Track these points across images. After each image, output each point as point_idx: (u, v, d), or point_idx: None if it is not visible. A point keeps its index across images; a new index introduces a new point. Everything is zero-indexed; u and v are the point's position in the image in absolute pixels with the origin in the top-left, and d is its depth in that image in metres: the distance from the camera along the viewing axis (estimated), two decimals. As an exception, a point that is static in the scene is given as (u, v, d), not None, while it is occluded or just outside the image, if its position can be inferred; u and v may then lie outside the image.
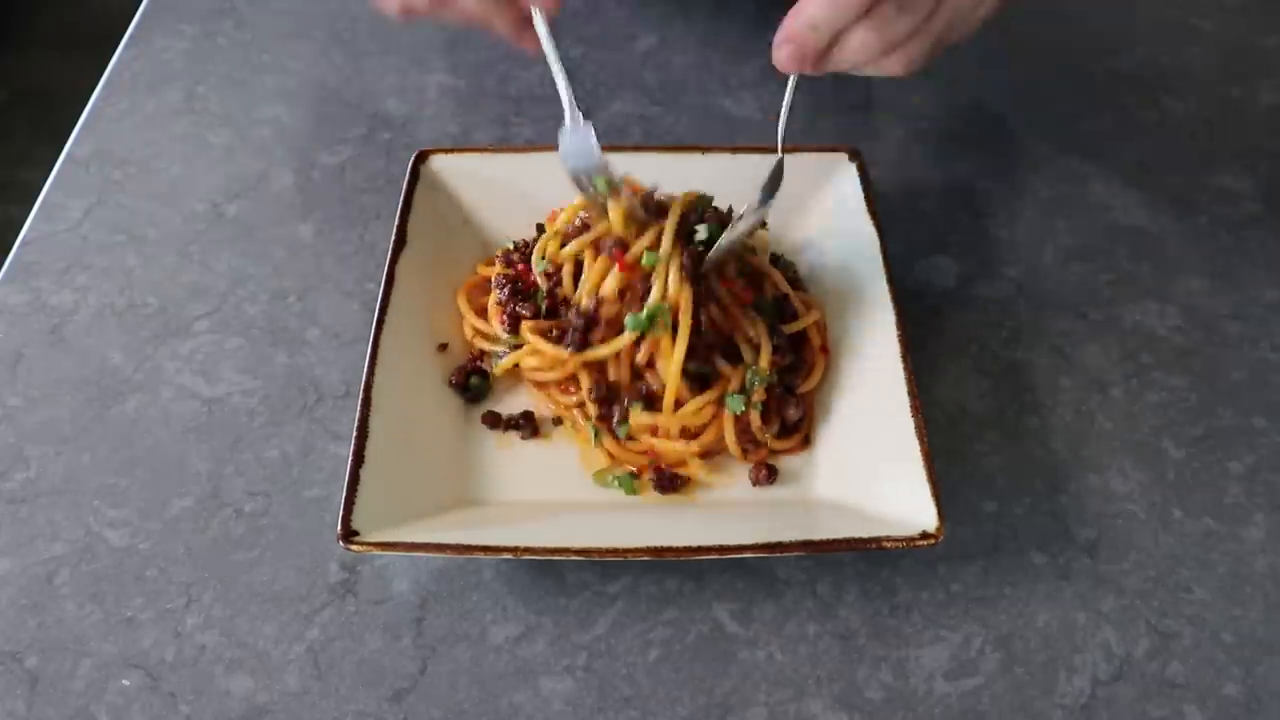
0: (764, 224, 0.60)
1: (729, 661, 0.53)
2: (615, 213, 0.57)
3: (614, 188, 0.57)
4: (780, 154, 0.57)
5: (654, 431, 0.58)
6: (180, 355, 0.64)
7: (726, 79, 0.81)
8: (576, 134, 0.57)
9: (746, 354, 0.59)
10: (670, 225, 0.56)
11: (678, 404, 0.57)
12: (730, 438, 0.57)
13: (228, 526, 0.57)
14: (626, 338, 0.56)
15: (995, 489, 0.59)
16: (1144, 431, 0.61)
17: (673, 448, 0.57)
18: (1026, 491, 0.59)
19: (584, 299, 0.57)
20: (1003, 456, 0.60)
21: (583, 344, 0.57)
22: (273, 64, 0.82)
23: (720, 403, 0.58)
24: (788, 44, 0.48)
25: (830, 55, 0.49)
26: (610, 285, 0.57)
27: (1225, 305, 0.67)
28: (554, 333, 0.59)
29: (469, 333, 0.63)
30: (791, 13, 0.48)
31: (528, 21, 0.55)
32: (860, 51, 0.48)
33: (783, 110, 0.55)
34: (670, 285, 0.56)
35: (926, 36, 0.49)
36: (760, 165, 0.65)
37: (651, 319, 0.55)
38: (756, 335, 0.58)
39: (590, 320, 0.57)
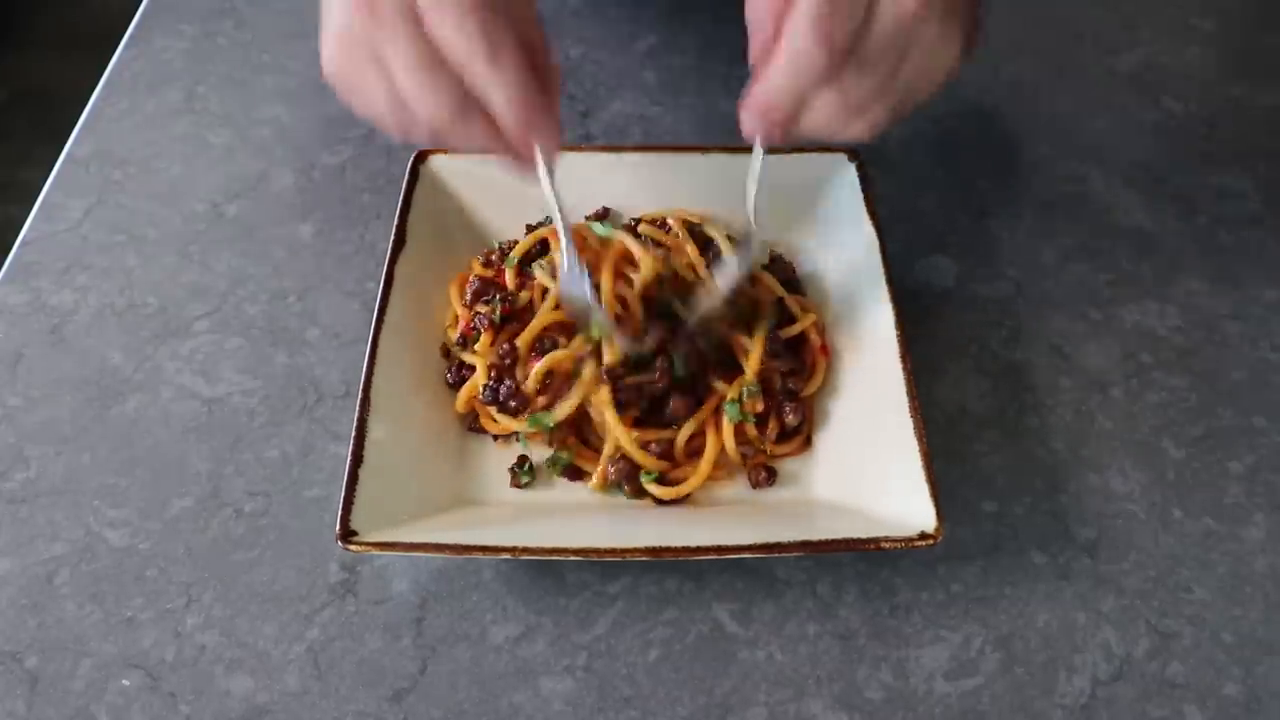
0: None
1: (729, 661, 0.53)
2: (610, 355, 0.57)
3: (607, 333, 0.57)
4: (753, 226, 0.56)
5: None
6: (180, 355, 0.64)
7: (726, 79, 0.81)
8: (573, 279, 0.57)
9: (742, 364, 0.59)
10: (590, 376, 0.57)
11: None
12: (730, 445, 0.57)
13: (228, 526, 0.57)
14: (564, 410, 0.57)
15: (995, 489, 0.59)
16: (1144, 431, 0.61)
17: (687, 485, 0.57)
18: (1026, 491, 0.59)
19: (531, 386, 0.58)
20: (1003, 456, 0.60)
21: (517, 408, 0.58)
22: (273, 64, 0.82)
23: (714, 414, 0.58)
24: (753, 111, 0.48)
25: (795, 122, 0.49)
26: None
27: (1225, 305, 0.67)
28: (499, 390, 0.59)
29: (448, 319, 0.63)
30: (753, 84, 0.48)
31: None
32: (826, 117, 0.48)
33: (750, 182, 0.54)
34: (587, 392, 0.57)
35: (889, 98, 0.49)
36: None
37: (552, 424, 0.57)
38: (749, 345, 0.59)
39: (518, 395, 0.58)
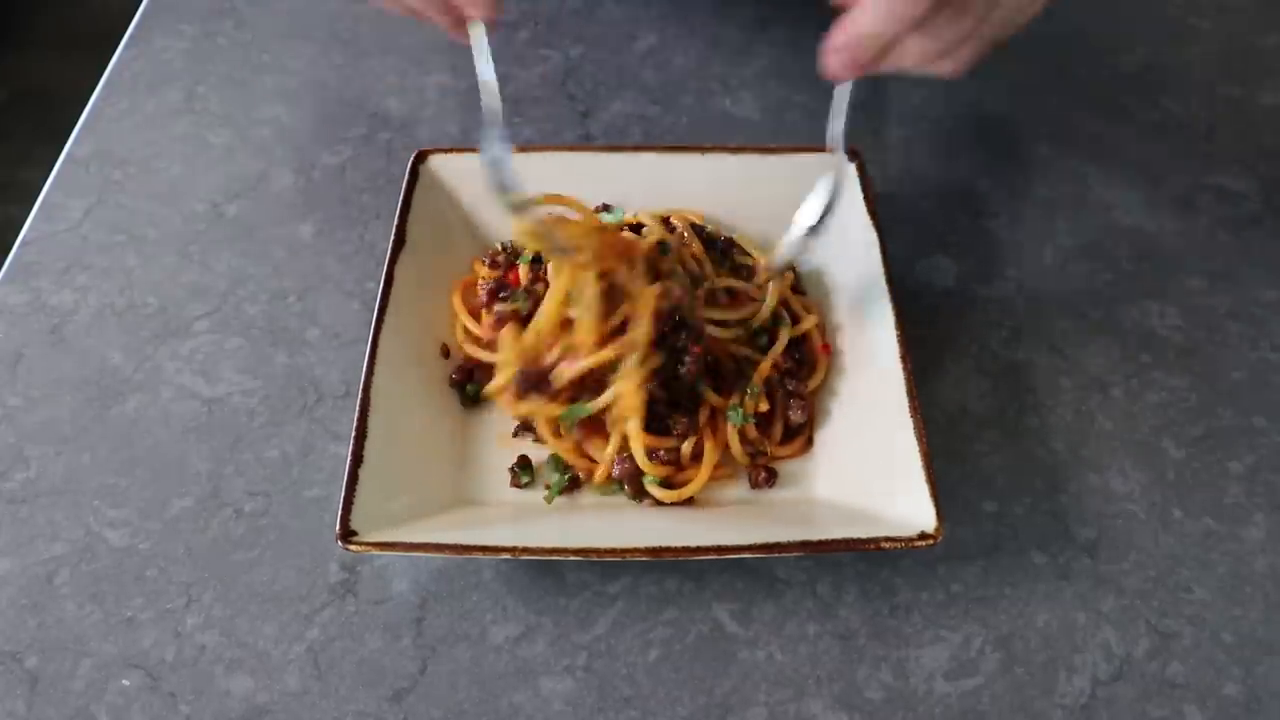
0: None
1: (729, 661, 0.53)
2: (521, 230, 0.55)
3: (522, 205, 0.55)
4: (840, 155, 0.55)
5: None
6: (180, 355, 0.64)
7: (726, 79, 0.81)
8: (498, 148, 0.55)
9: (744, 369, 0.59)
10: (643, 339, 0.55)
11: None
12: (736, 447, 0.57)
13: (228, 526, 0.57)
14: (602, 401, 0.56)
15: (995, 489, 0.59)
16: (1144, 431, 0.61)
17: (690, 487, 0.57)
18: (1026, 491, 0.59)
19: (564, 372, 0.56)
20: (1003, 456, 0.60)
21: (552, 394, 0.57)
22: (273, 64, 0.82)
23: (712, 422, 0.58)
24: (840, 53, 0.48)
25: (883, 61, 0.49)
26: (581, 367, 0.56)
27: (1225, 305, 0.67)
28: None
29: (460, 335, 0.63)
30: (843, 21, 0.47)
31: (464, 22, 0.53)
32: (914, 58, 0.48)
33: (834, 116, 0.53)
34: (624, 393, 0.55)
35: (978, 41, 0.49)
36: (759, 165, 0.66)
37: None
38: (749, 355, 0.59)
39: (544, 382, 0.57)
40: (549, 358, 0.56)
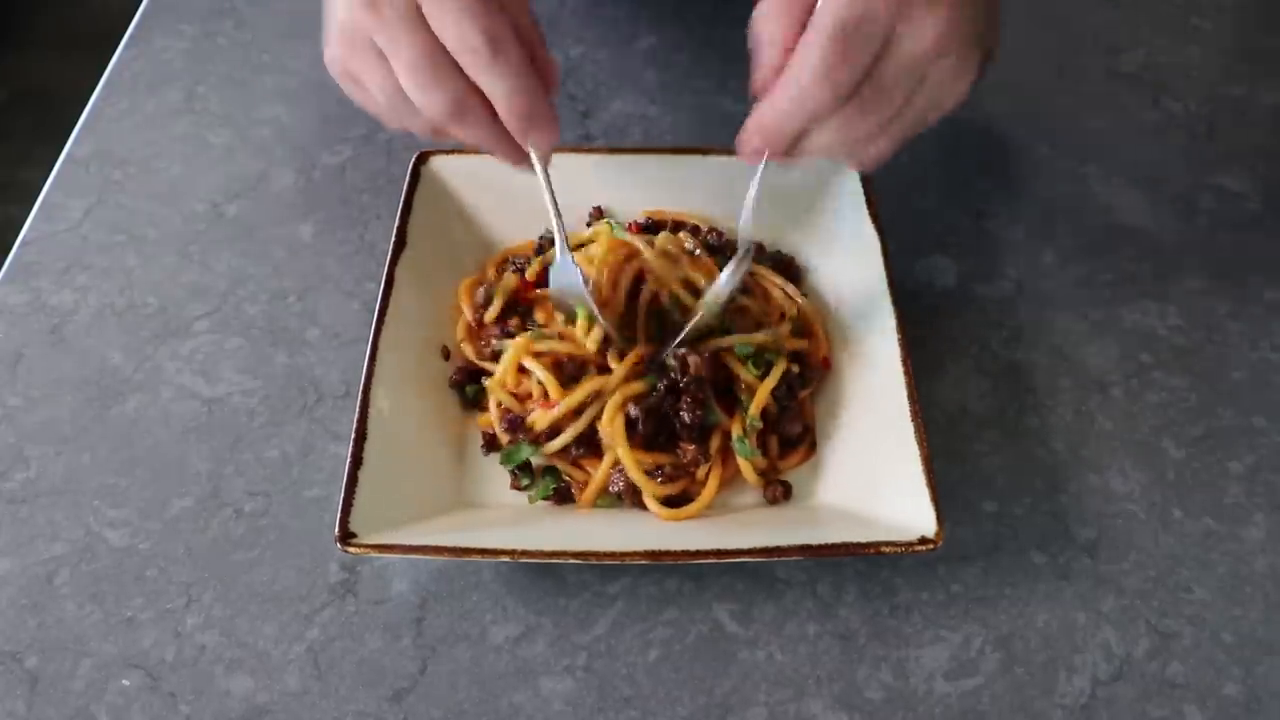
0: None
1: (729, 661, 0.53)
2: (593, 342, 0.57)
3: (593, 320, 0.57)
4: (747, 241, 0.56)
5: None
6: (180, 355, 0.64)
7: (726, 79, 0.80)
8: (565, 271, 0.57)
9: (744, 397, 0.58)
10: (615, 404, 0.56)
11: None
12: (750, 475, 0.57)
13: (228, 526, 0.57)
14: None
15: (995, 489, 0.59)
16: (1144, 431, 0.61)
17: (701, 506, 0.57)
18: (1026, 491, 0.59)
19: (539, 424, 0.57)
20: (1003, 456, 0.60)
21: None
22: (273, 64, 0.82)
23: (724, 443, 0.57)
24: (755, 136, 0.47)
25: (794, 150, 0.48)
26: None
27: (1225, 305, 0.67)
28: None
29: (460, 334, 0.63)
30: (760, 106, 0.47)
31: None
32: (826, 146, 0.47)
33: (748, 198, 0.54)
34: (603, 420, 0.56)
35: (895, 130, 0.47)
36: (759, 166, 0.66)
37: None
38: (747, 376, 0.58)
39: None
40: (526, 407, 0.58)
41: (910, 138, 0.49)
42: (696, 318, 0.57)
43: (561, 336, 0.59)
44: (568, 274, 0.57)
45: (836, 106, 0.45)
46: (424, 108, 0.47)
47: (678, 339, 0.57)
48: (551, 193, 0.53)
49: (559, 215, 0.55)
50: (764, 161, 0.51)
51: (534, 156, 0.52)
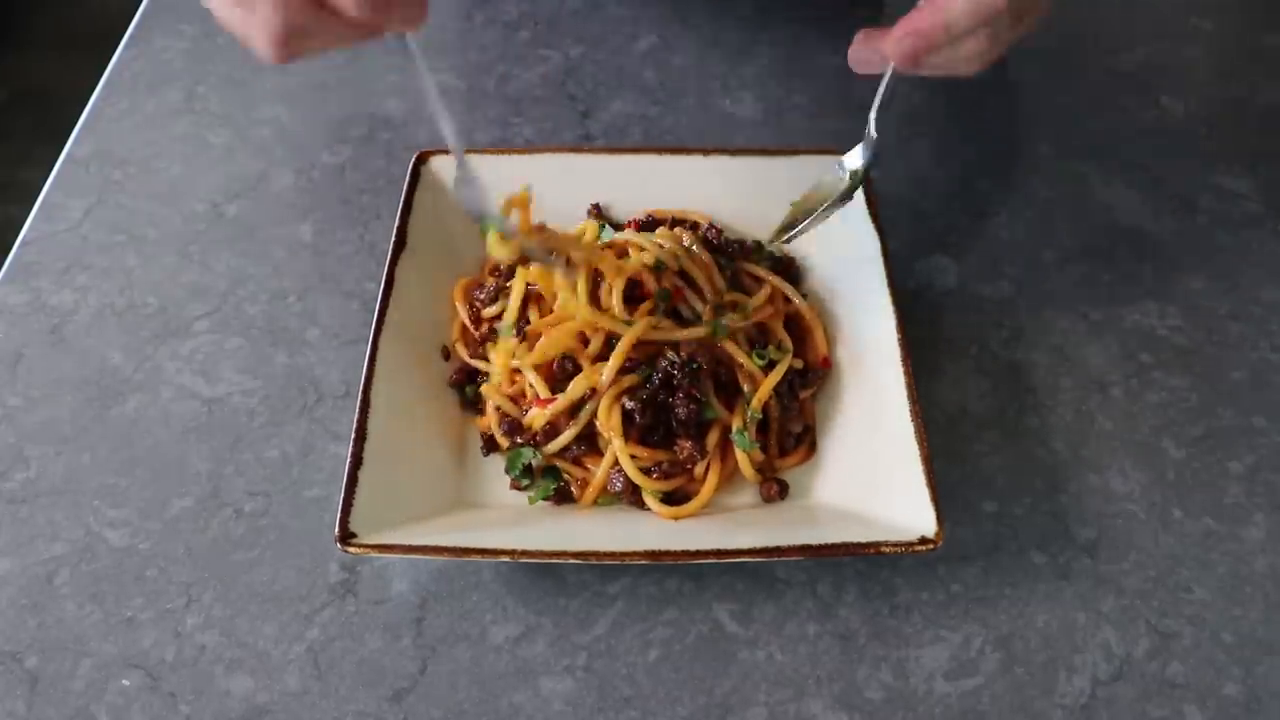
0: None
1: (729, 661, 0.53)
2: (500, 249, 0.55)
3: (503, 232, 0.55)
4: (873, 134, 0.58)
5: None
6: (180, 355, 0.64)
7: (726, 79, 0.81)
8: (470, 185, 0.53)
9: (746, 388, 0.58)
10: (610, 372, 0.56)
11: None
12: (748, 470, 0.57)
13: (228, 526, 0.57)
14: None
15: (995, 489, 0.59)
16: (1144, 431, 0.61)
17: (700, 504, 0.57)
18: (1026, 491, 0.59)
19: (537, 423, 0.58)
20: (1003, 456, 0.60)
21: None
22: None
23: (722, 439, 0.57)
24: (912, 38, 0.49)
25: (938, 55, 0.50)
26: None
27: (1225, 305, 0.67)
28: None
29: (455, 334, 0.63)
30: (925, 9, 0.49)
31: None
32: (965, 57, 0.50)
33: (877, 98, 0.57)
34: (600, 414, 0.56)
35: (1016, 38, 0.51)
36: (760, 166, 0.66)
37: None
38: (750, 366, 0.58)
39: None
40: (523, 406, 0.58)
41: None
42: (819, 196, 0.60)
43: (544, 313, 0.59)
44: (470, 187, 0.53)
45: (1005, 12, 0.48)
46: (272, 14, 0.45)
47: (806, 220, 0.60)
48: (433, 86, 0.48)
49: (445, 114, 0.50)
50: (893, 71, 0.54)
51: (408, 39, 0.47)
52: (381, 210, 0.71)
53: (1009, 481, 0.59)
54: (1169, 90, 0.80)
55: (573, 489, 0.57)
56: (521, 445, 0.57)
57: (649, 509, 0.56)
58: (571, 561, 0.52)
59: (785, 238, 0.61)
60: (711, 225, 0.66)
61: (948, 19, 0.48)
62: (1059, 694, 0.52)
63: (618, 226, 0.67)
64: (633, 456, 0.56)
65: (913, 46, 0.50)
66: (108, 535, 0.57)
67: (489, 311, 0.62)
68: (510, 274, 0.62)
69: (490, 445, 0.59)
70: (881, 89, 0.56)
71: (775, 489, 0.57)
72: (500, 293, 0.62)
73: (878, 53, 0.52)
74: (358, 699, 0.51)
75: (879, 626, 0.54)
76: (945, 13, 0.48)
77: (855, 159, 0.60)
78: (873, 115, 0.58)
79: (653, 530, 0.54)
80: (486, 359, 0.61)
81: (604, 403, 0.56)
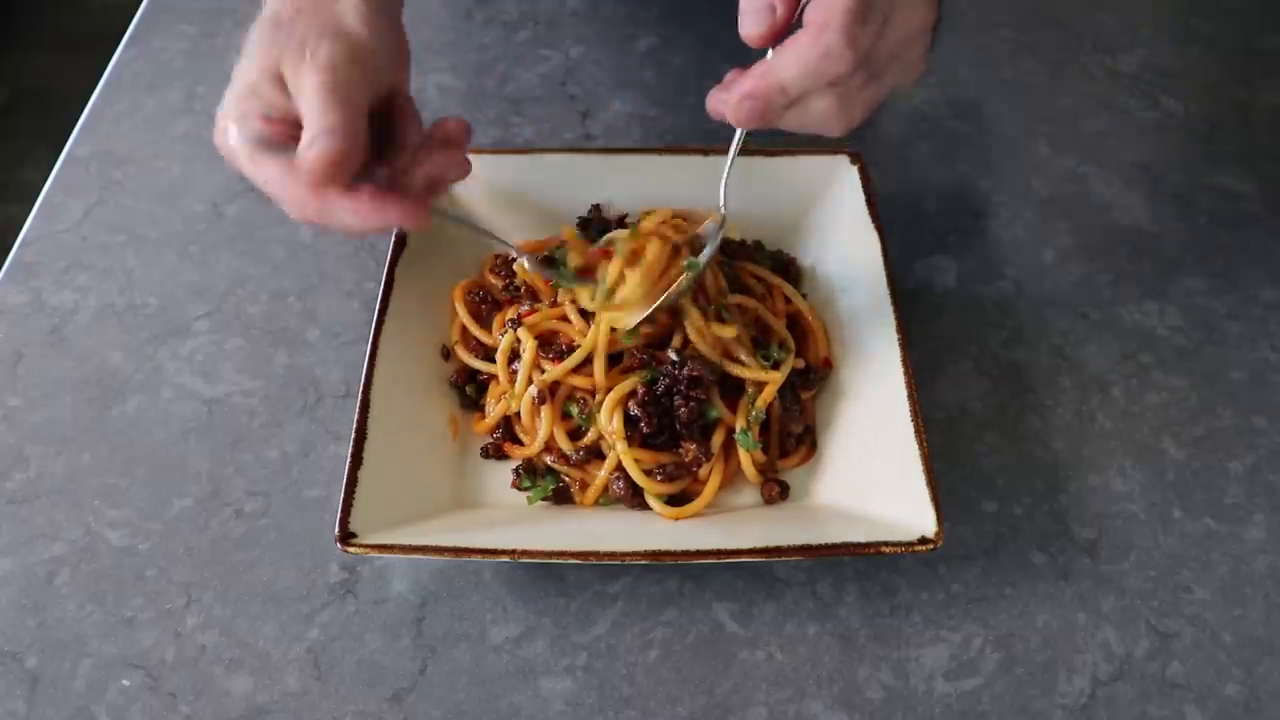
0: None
1: (729, 661, 0.53)
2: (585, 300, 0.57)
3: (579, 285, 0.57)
4: (723, 211, 0.57)
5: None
6: (180, 355, 0.64)
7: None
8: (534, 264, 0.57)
9: (750, 389, 0.58)
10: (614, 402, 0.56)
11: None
12: (750, 471, 0.57)
13: (228, 526, 0.57)
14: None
15: (995, 489, 0.59)
16: (1144, 431, 0.61)
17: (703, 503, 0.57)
18: (1026, 491, 0.59)
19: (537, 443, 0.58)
20: (1003, 456, 0.60)
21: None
22: (273, 64, 0.82)
23: (726, 445, 0.57)
24: (750, 101, 0.47)
25: (785, 116, 0.48)
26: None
27: (1225, 305, 0.67)
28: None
29: (455, 336, 0.63)
30: (759, 71, 0.47)
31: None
32: (818, 114, 0.48)
33: (727, 164, 0.55)
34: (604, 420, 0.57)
35: (873, 102, 0.48)
36: (760, 166, 0.66)
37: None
38: (752, 366, 0.58)
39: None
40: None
41: (871, 112, 0.50)
42: (676, 284, 0.57)
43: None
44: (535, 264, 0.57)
45: (848, 74, 0.46)
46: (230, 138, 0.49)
47: (654, 305, 0.56)
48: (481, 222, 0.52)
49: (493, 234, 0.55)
50: (741, 131, 0.51)
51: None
52: (381, 210, 0.71)
53: (1009, 481, 0.59)
54: (1169, 90, 0.80)
55: (572, 491, 0.57)
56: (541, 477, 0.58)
57: (649, 509, 0.56)
58: (571, 561, 0.52)
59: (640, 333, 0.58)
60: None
61: (783, 80, 0.46)
62: (1059, 694, 0.52)
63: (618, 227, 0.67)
64: (635, 460, 0.56)
65: (751, 110, 0.47)
66: (108, 535, 0.57)
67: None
68: (512, 290, 0.63)
69: (496, 452, 0.59)
70: (731, 151, 0.54)
71: (776, 489, 0.57)
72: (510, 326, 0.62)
73: (724, 107, 0.49)
74: (358, 699, 0.51)
75: (879, 626, 0.54)
76: (779, 73, 0.46)
77: (702, 250, 0.57)
78: (723, 185, 0.56)
79: (653, 530, 0.54)
80: (487, 359, 0.61)
81: (606, 407, 0.56)
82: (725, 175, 0.56)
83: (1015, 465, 0.60)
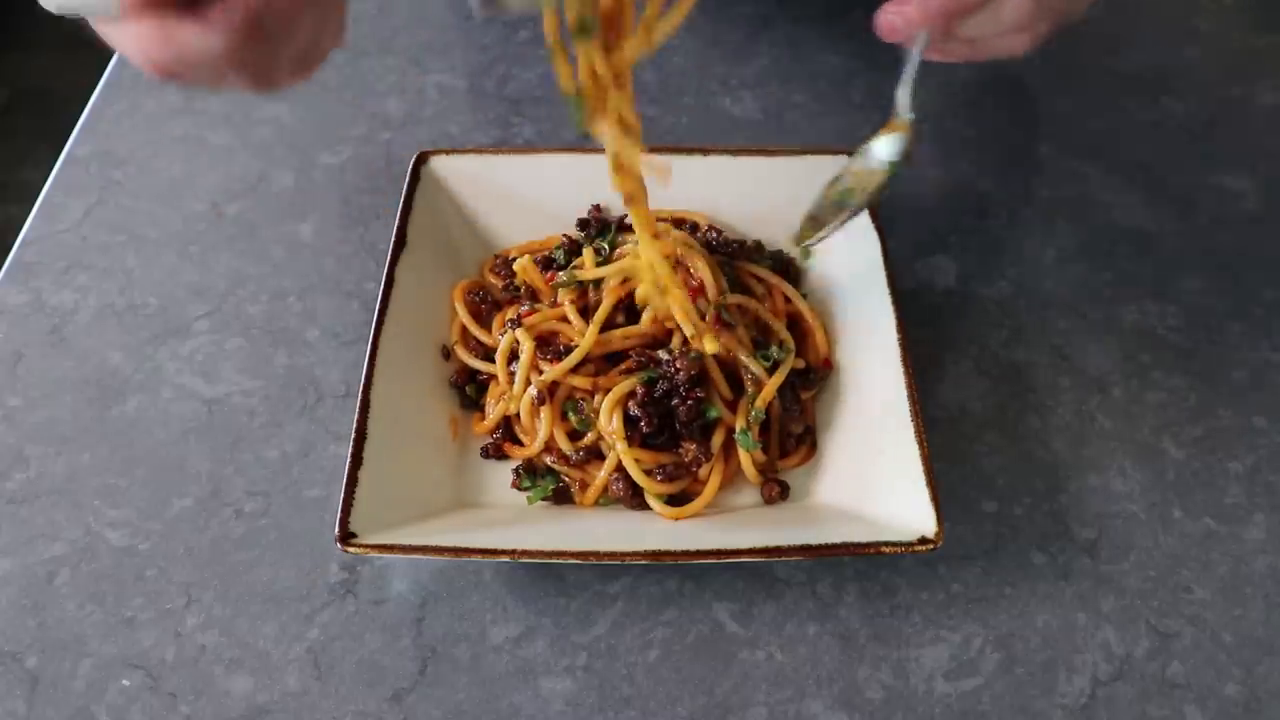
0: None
1: (729, 661, 0.53)
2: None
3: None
4: (909, 114, 0.56)
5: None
6: (180, 355, 0.64)
7: (726, 79, 0.80)
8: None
9: (750, 388, 0.58)
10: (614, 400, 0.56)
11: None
12: (750, 471, 0.57)
13: (228, 526, 0.57)
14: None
15: (995, 489, 0.59)
16: (1144, 431, 0.61)
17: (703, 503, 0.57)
18: (1026, 491, 0.59)
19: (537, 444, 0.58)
20: (1003, 456, 0.60)
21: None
22: (273, 64, 0.82)
23: (726, 445, 0.57)
24: (924, 10, 0.46)
25: (976, 18, 0.46)
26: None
27: (1225, 305, 0.67)
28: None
29: (455, 336, 0.63)
30: None
31: None
32: (1011, 18, 0.46)
33: (905, 78, 0.53)
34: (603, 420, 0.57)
35: (1059, 16, 0.47)
36: (760, 167, 0.66)
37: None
38: (752, 366, 0.58)
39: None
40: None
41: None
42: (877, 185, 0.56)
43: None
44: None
45: None
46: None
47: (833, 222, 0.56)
48: None
49: None
50: (922, 37, 0.50)
51: None
52: (381, 210, 0.71)
53: (1009, 481, 0.59)
54: (1169, 90, 0.80)
55: (572, 491, 0.57)
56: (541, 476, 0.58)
57: (649, 509, 0.56)
58: (571, 561, 0.52)
59: (816, 238, 0.58)
60: (711, 225, 0.66)
61: None
62: (1059, 694, 0.52)
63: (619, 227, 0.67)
64: (635, 460, 0.55)
65: (943, 3, 0.45)
66: (108, 535, 0.57)
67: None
68: (512, 290, 0.63)
69: (495, 453, 0.59)
70: (910, 62, 0.51)
71: (776, 490, 0.57)
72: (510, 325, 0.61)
73: (902, 15, 0.46)
74: (358, 699, 0.51)
75: (879, 626, 0.54)
76: None
77: (888, 147, 0.56)
78: (899, 92, 0.53)
79: (653, 530, 0.54)
80: (487, 359, 0.61)
81: (606, 407, 0.56)
82: (911, 80, 0.53)
83: (1015, 465, 0.60)
